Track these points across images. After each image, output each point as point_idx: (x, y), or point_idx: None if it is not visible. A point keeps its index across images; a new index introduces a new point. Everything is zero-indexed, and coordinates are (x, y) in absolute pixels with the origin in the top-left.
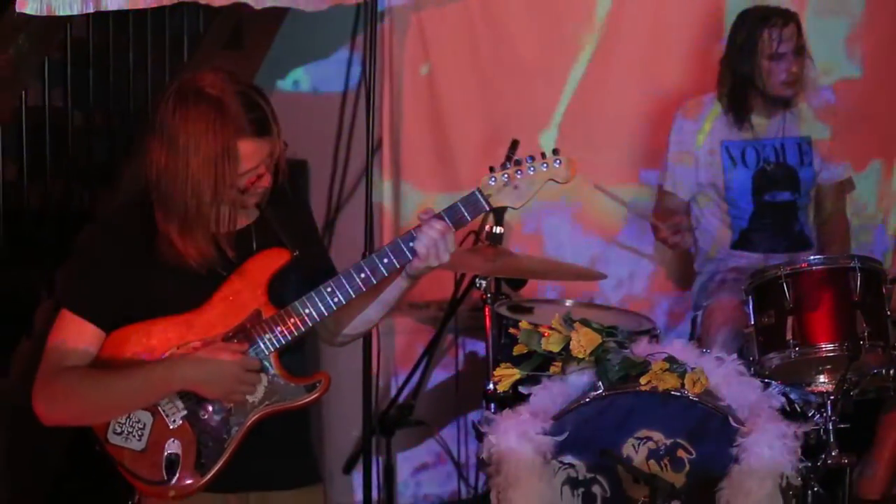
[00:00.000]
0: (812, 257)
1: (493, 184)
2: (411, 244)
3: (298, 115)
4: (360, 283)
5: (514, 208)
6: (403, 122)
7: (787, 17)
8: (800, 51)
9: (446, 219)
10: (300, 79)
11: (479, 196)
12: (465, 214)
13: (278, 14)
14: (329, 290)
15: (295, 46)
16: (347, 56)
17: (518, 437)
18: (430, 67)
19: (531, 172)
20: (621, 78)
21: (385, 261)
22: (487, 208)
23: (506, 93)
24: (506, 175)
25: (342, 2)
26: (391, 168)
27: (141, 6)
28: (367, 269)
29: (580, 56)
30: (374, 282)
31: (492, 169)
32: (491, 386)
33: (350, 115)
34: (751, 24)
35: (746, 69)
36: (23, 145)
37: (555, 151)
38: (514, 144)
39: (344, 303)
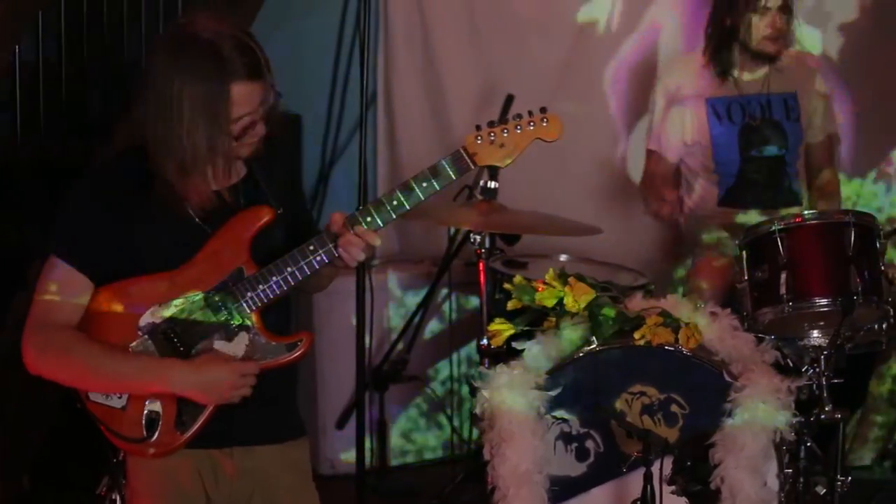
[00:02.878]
0: (806, 212)
1: (478, 142)
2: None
3: (292, 68)
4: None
5: (500, 167)
6: (398, 76)
7: None
8: (786, 8)
9: (431, 180)
10: (294, 32)
11: (465, 154)
12: (451, 173)
13: None
14: (312, 248)
15: (289, 0)
16: (342, 9)
17: (512, 392)
18: (425, 21)
19: (518, 131)
20: (617, 31)
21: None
22: (473, 167)
23: (500, 46)
24: (492, 133)
25: None
26: (385, 122)
27: None
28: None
29: (574, 10)
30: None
31: (478, 127)
32: (485, 341)
33: (344, 69)
34: None
35: (731, 21)
36: (16, 99)
37: (542, 109)
38: (509, 99)
39: (327, 262)
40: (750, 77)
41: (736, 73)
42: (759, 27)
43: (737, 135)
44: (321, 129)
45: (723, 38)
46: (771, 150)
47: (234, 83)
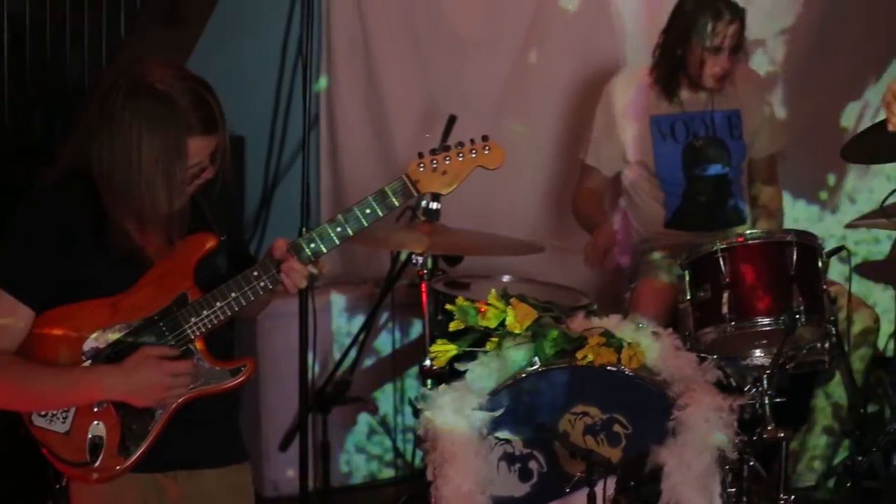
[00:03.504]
0: (748, 231)
1: (421, 169)
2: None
3: (235, 90)
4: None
5: (442, 194)
6: (340, 98)
7: (735, 13)
8: (737, 49)
9: (370, 208)
10: (237, 54)
11: (408, 181)
12: (394, 200)
13: None
14: (255, 274)
15: (232, 22)
16: (284, 31)
17: (454, 413)
18: (368, 43)
19: (460, 159)
20: (559, 54)
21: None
22: (416, 194)
23: (443, 67)
24: (434, 161)
25: None
26: (328, 143)
27: None
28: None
29: (516, 32)
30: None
31: (420, 154)
32: (427, 362)
33: (287, 91)
34: (698, 10)
35: (680, 52)
36: None
37: (484, 138)
38: (452, 120)
39: (270, 288)
40: (694, 95)
41: (680, 91)
42: (709, 65)
43: (681, 153)
44: (264, 151)
45: (672, 67)
46: (715, 168)
47: (189, 138)
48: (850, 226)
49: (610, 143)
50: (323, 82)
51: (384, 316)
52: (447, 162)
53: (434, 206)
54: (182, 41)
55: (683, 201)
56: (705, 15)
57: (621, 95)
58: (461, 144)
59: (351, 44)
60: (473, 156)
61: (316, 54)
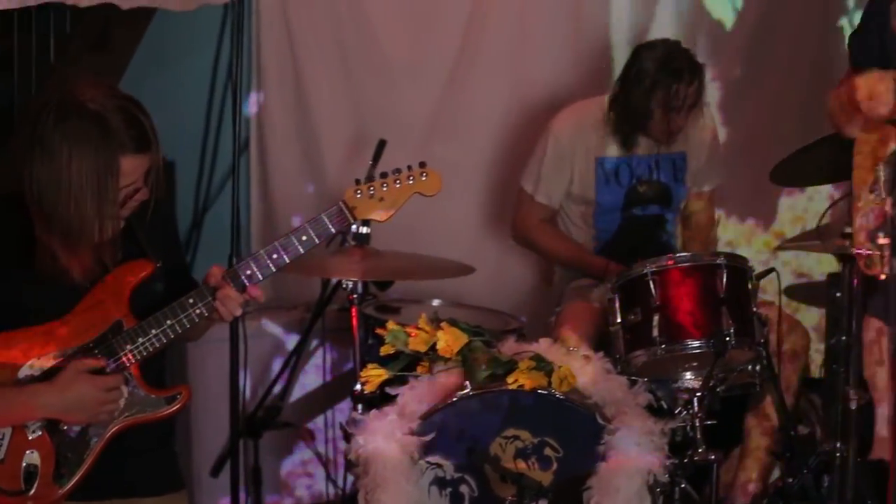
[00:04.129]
0: (678, 254)
1: (358, 196)
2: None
3: (165, 115)
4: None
5: (379, 221)
6: (270, 121)
7: (694, 74)
8: (695, 105)
9: (309, 232)
10: (167, 79)
11: (345, 209)
12: (330, 227)
13: (146, 14)
14: (191, 301)
15: (162, 46)
16: (214, 56)
17: (385, 437)
18: (298, 67)
19: (397, 185)
20: (489, 78)
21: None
22: (352, 221)
23: (373, 92)
24: (372, 188)
25: (210, 2)
26: (258, 168)
27: (4, 7)
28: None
29: (447, 55)
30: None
31: (357, 181)
32: (358, 387)
33: (217, 115)
34: (656, 69)
35: (636, 106)
36: None
37: (421, 164)
38: (381, 144)
39: (206, 315)
40: (643, 139)
41: (636, 139)
42: (663, 123)
43: (623, 196)
44: (194, 175)
45: (627, 120)
46: (653, 209)
47: (122, 157)
48: (779, 248)
49: (559, 181)
50: (253, 106)
51: (315, 341)
52: (384, 189)
53: (364, 230)
54: (112, 65)
55: (615, 237)
56: (666, 77)
57: (569, 133)
58: (398, 171)
59: (281, 67)
60: (411, 182)
61: (246, 78)
